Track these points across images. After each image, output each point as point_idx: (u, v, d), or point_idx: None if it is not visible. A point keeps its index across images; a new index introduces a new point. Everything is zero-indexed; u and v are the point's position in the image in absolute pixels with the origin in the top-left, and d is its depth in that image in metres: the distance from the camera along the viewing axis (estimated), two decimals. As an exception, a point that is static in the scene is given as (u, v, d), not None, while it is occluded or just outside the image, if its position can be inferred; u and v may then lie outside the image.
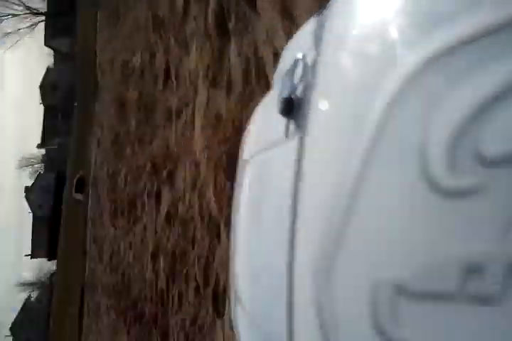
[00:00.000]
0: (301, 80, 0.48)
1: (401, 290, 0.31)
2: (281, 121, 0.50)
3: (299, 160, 0.41)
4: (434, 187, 0.30)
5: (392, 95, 0.31)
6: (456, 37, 0.28)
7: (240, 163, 0.67)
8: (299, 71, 0.49)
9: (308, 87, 0.44)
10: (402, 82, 0.31)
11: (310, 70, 0.46)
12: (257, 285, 0.52)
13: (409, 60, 0.30)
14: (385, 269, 0.32)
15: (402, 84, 0.31)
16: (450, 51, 0.28)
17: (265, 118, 0.58)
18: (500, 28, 0.27)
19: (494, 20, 0.27)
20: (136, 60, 5.96)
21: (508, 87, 0.27)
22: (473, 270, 0.28)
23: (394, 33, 0.32)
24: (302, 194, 0.40)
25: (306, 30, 0.53)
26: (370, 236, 0.33)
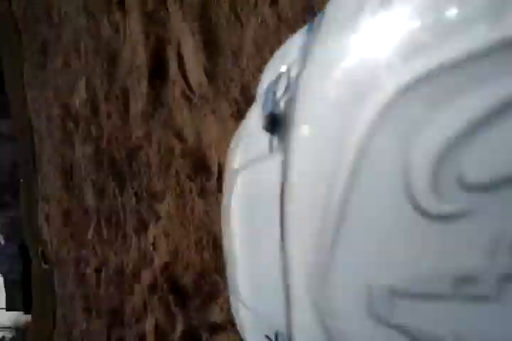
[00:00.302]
0: (284, 95, 0.48)
1: (395, 292, 0.31)
2: (265, 135, 0.50)
3: (284, 177, 0.41)
4: (419, 210, 0.30)
5: (373, 119, 0.31)
6: (435, 63, 0.28)
7: (229, 171, 0.67)
8: (282, 85, 0.49)
9: (291, 103, 0.44)
10: (382, 107, 0.30)
11: (293, 85, 0.45)
12: (258, 294, 0.53)
13: (389, 85, 0.30)
14: (377, 280, 0.33)
15: (382, 110, 0.30)
16: (429, 77, 0.28)
17: (251, 130, 0.58)
18: (479, 55, 0.26)
19: (472, 48, 0.27)
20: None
21: (487, 112, 0.27)
22: (463, 282, 0.29)
23: (376, 60, 0.32)
24: (288, 213, 0.40)
25: (292, 43, 0.52)
26: (359, 258, 0.33)
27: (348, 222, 0.34)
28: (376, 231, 0.33)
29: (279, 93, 0.49)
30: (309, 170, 0.38)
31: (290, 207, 0.38)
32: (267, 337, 0.51)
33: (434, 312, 0.30)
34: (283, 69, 0.50)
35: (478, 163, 0.28)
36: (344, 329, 0.36)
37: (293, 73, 0.47)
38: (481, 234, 0.28)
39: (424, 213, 0.30)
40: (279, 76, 0.50)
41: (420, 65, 0.29)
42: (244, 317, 0.59)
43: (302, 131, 0.39)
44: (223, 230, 0.68)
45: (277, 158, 0.45)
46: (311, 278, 0.37)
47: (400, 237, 0.31)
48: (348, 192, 0.33)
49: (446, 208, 0.29)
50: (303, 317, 0.39)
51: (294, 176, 0.39)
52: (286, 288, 0.40)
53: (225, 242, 0.67)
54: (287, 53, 0.52)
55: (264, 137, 0.51)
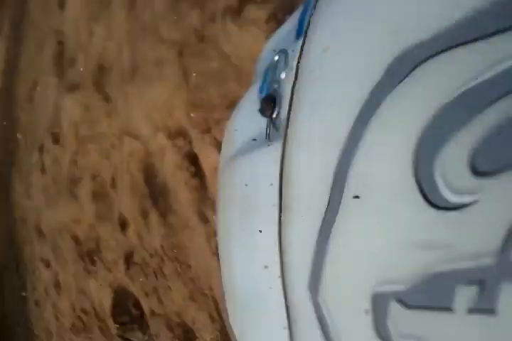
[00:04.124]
0: (282, 76, 0.46)
1: (399, 302, 0.30)
2: (262, 120, 0.48)
3: (281, 165, 0.40)
4: (428, 200, 0.29)
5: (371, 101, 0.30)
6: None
7: (222, 160, 0.65)
8: (280, 67, 0.47)
9: (289, 86, 0.43)
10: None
11: (291, 67, 0.44)
12: (255, 298, 0.51)
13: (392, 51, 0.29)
14: (380, 283, 0.31)
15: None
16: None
17: (246, 115, 0.56)
18: None
19: None
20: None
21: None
22: (471, 283, 0.28)
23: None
24: (286, 201, 0.38)
25: (289, 24, 0.51)
26: (359, 252, 0.32)
27: (347, 208, 0.32)
28: (381, 221, 0.31)
29: (277, 75, 0.47)
30: (308, 156, 0.36)
31: (290, 192, 0.37)
32: None
33: (440, 332, 0.29)
34: (281, 51, 0.48)
35: (488, 148, 0.27)
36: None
37: (290, 55, 0.46)
38: (491, 223, 0.27)
39: (431, 202, 0.29)
40: (278, 58, 0.48)
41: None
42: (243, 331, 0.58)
43: (302, 112, 0.37)
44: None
45: (274, 145, 0.43)
46: (310, 275, 0.35)
47: (405, 229, 0.30)
48: (347, 171, 0.32)
49: (457, 198, 0.28)
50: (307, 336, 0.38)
51: (293, 162, 0.37)
52: (285, 294, 0.39)
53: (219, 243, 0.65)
54: (285, 35, 0.50)
55: (260, 123, 0.49)
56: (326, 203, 0.33)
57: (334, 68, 0.35)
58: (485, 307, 0.27)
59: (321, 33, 0.38)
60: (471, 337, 0.28)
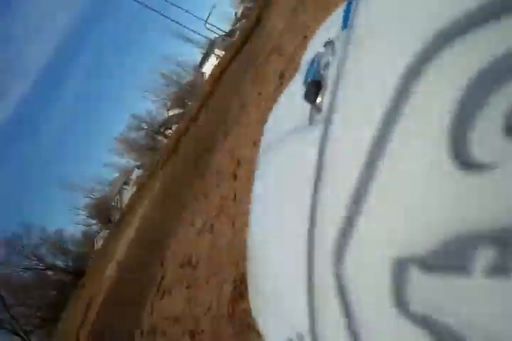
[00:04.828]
0: (328, 65, 0.48)
1: (421, 265, 0.31)
2: (305, 107, 0.50)
3: (321, 144, 0.41)
4: (460, 159, 0.29)
5: (414, 68, 0.31)
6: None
7: (260, 152, 0.67)
8: (327, 56, 0.49)
9: (334, 71, 0.44)
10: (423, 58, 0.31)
11: (339, 55, 0.46)
12: (278, 271, 0.52)
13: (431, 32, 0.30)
14: (402, 246, 0.32)
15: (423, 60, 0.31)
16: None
17: (288, 105, 0.58)
18: None
19: None
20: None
21: None
22: (494, 243, 0.28)
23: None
24: (324, 177, 0.39)
25: (336, 15, 0.53)
26: (389, 211, 0.33)
27: (381, 176, 0.33)
28: (409, 183, 0.32)
29: (323, 63, 0.49)
30: (348, 132, 0.38)
31: (327, 172, 0.38)
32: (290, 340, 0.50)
33: (458, 296, 0.29)
34: (328, 40, 0.50)
35: None
36: (367, 322, 0.35)
37: (338, 45, 0.48)
38: None
39: (463, 161, 0.29)
40: (325, 47, 0.51)
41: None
42: (266, 319, 0.58)
43: (349, 94, 0.39)
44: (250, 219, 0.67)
45: (317, 129, 0.45)
46: (336, 248, 0.36)
47: (432, 191, 0.31)
48: (385, 140, 0.33)
49: (488, 155, 0.28)
50: (327, 309, 0.38)
51: (333, 139, 0.39)
52: (310, 273, 0.40)
53: (250, 233, 0.67)
54: (333, 24, 0.52)
55: (303, 110, 0.51)
56: (364, 169, 0.34)
57: (378, 48, 0.37)
58: (505, 267, 0.27)
59: (367, 19, 0.40)
60: (488, 298, 0.28)
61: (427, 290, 0.31)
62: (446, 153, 0.30)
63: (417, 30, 0.33)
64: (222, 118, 7.89)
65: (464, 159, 0.29)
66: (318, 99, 0.48)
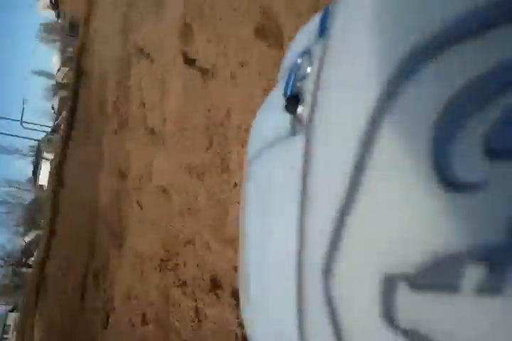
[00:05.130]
0: (306, 73, 0.48)
1: (409, 284, 0.31)
2: (286, 118, 0.50)
3: (306, 159, 0.41)
4: (443, 180, 0.30)
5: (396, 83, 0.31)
6: None
7: (246, 163, 0.67)
8: (304, 65, 0.49)
9: (312, 82, 0.44)
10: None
11: (316, 64, 0.46)
12: (267, 280, 0.52)
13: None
14: (390, 266, 0.32)
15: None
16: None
17: (268, 115, 0.58)
18: None
19: None
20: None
21: None
22: (480, 263, 0.28)
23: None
24: (308, 187, 0.40)
25: (312, 23, 0.53)
26: (373, 231, 0.33)
27: (363, 189, 0.33)
28: (394, 203, 0.32)
29: (302, 74, 0.49)
30: (330, 145, 0.38)
31: (312, 178, 0.38)
32: None
33: (447, 313, 0.30)
34: (305, 50, 0.50)
35: (503, 131, 0.28)
36: (355, 331, 0.35)
37: (315, 53, 0.48)
38: (504, 201, 0.28)
39: (446, 182, 0.30)
40: (301, 57, 0.51)
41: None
42: (253, 320, 0.59)
43: (327, 105, 0.39)
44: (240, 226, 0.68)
45: (299, 135, 0.45)
46: (324, 257, 0.37)
47: (419, 211, 0.31)
48: (365, 157, 0.33)
49: (470, 177, 0.29)
50: (315, 316, 0.39)
51: (316, 150, 0.39)
52: (299, 280, 0.40)
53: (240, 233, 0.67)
54: (308, 33, 0.52)
55: (284, 121, 0.51)
56: (347, 187, 0.34)
57: (355, 58, 0.37)
58: (493, 286, 0.28)
59: (343, 25, 0.40)
60: (476, 317, 0.28)
61: (416, 309, 0.31)
62: (431, 173, 0.30)
63: (392, 46, 0.33)
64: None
65: (447, 179, 0.29)
66: (299, 110, 0.48)
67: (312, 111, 0.41)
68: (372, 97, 0.33)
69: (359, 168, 0.33)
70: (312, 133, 0.41)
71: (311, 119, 0.41)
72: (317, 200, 0.37)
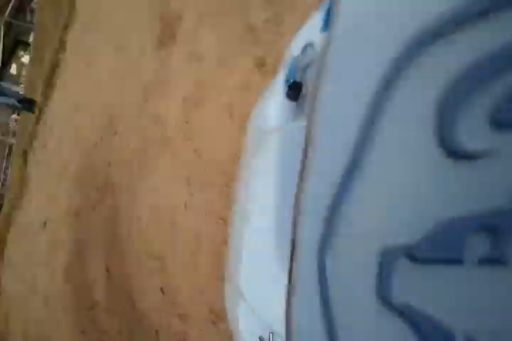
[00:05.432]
0: (308, 66, 0.49)
1: (409, 256, 0.31)
2: (288, 105, 0.50)
3: (306, 137, 0.41)
4: (447, 149, 0.30)
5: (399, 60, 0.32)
6: None
7: (247, 142, 0.67)
8: (307, 56, 0.50)
9: (313, 71, 0.45)
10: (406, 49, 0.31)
11: (319, 56, 0.46)
12: (258, 282, 0.51)
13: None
14: (391, 235, 0.32)
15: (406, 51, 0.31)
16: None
17: (273, 100, 0.59)
18: None
19: None
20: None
21: None
22: (484, 230, 0.28)
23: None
24: (309, 167, 0.39)
25: (316, 18, 0.54)
26: (377, 199, 0.33)
27: (370, 160, 0.33)
28: (398, 173, 0.32)
29: (304, 64, 0.49)
30: (333, 119, 0.38)
31: (313, 153, 0.38)
32: (261, 338, 0.49)
33: (446, 286, 0.29)
34: (308, 42, 0.51)
35: (509, 101, 0.28)
36: (349, 319, 0.34)
37: (317, 46, 0.48)
38: (506, 173, 0.28)
39: (451, 151, 0.30)
40: (304, 49, 0.51)
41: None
42: (239, 318, 0.57)
43: (328, 92, 0.39)
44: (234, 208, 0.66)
45: (300, 119, 0.45)
46: (321, 238, 0.35)
47: (422, 180, 0.31)
48: (371, 129, 0.33)
49: (475, 145, 0.29)
50: (304, 295, 0.37)
51: (318, 126, 0.39)
52: (291, 264, 0.38)
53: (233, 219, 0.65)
54: (311, 27, 0.53)
55: (285, 108, 0.51)
56: (351, 154, 0.34)
57: (359, 44, 0.37)
58: (497, 256, 0.27)
59: (344, 21, 0.40)
60: (481, 290, 0.28)
61: (415, 280, 0.30)
62: (434, 141, 0.30)
63: (407, 20, 0.34)
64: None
65: (451, 148, 0.29)
66: (300, 96, 0.48)
67: (314, 94, 0.41)
68: (385, 66, 0.33)
69: (364, 136, 0.33)
70: (314, 118, 0.41)
71: (314, 99, 0.41)
72: (319, 166, 0.36)
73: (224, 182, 1.79)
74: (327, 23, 0.49)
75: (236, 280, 0.57)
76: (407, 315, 0.30)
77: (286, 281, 0.38)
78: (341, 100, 0.37)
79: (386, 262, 0.32)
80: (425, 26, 0.32)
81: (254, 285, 0.52)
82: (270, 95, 0.58)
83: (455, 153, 0.29)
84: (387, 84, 0.33)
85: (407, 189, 0.31)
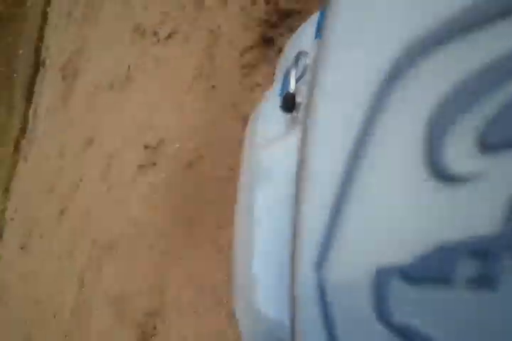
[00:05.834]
0: (301, 76, 0.49)
1: (402, 276, 0.31)
2: (283, 115, 0.51)
3: (301, 157, 0.41)
4: (435, 172, 0.30)
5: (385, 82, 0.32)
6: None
7: (246, 152, 0.67)
8: (300, 67, 0.50)
9: (309, 84, 0.45)
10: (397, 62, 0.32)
11: (311, 66, 0.46)
12: (261, 278, 0.52)
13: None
14: (385, 256, 0.32)
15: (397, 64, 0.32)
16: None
17: (268, 112, 0.59)
18: None
19: None
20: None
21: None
22: (474, 254, 0.29)
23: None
24: (304, 173, 0.39)
25: (308, 26, 0.54)
26: (369, 222, 0.34)
27: (358, 184, 0.34)
28: (388, 195, 0.33)
29: (297, 75, 0.50)
30: (325, 137, 0.38)
31: (306, 171, 0.39)
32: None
33: (436, 304, 0.30)
34: (300, 51, 0.51)
35: (496, 126, 0.29)
36: (347, 329, 0.35)
37: (310, 55, 0.49)
38: (495, 196, 0.28)
39: (439, 173, 0.30)
40: (297, 58, 0.52)
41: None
42: (248, 324, 0.58)
43: (321, 106, 0.39)
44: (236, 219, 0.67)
45: (294, 137, 0.45)
46: (318, 256, 0.36)
47: (413, 201, 0.31)
48: (362, 152, 0.33)
49: (463, 168, 0.29)
50: (307, 308, 0.38)
51: (309, 149, 0.39)
52: (292, 280, 0.40)
53: (239, 232, 0.66)
54: (304, 36, 0.53)
55: (281, 118, 0.52)
56: (342, 178, 0.34)
57: (350, 57, 0.37)
58: (484, 277, 0.28)
59: (335, 28, 0.40)
60: (468, 309, 0.29)
61: (409, 302, 0.31)
62: (423, 164, 0.30)
63: (402, 29, 0.34)
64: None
65: (440, 170, 0.30)
66: (295, 108, 0.49)
67: (308, 105, 0.42)
68: (376, 79, 0.34)
69: (354, 158, 0.33)
70: (309, 129, 0.41)
71: (307, 114, 0.42)
72: (313, 190, 0.37)
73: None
74: (319, 31, 0.49)
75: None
76: (408, 337, 0.31)
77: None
78: (332, 121, 0.37)
79: (382, 282, 0.32)
80: (429, 28, 0.32)
81: None
82: (265, 107, 0.59)
83: (443, 176, 0.30)
84: (377, 107, 0.33)
85: (397, 211, 0.32)
